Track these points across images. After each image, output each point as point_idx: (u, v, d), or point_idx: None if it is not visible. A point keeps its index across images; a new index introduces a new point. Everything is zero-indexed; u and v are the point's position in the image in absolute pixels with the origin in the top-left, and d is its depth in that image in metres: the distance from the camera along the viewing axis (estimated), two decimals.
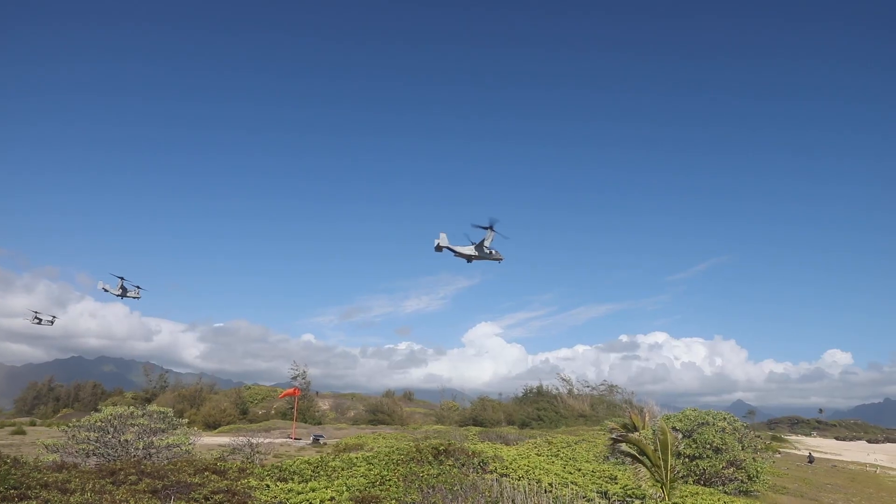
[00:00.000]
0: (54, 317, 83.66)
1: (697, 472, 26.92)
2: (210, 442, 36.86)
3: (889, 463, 65.30)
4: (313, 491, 13.59)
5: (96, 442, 20.38)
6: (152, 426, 21.74)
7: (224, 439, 37.21)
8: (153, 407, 24.07)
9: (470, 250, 50.39)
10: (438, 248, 50.28)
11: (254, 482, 14.36)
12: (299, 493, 13.41)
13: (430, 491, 12.54)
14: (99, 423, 20.88)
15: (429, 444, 20.27)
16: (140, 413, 22.30)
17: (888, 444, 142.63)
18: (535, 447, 29.84)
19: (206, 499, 12.03)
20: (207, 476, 14.16)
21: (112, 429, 20.79)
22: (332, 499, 12.91)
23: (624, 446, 20.37)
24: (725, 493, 24.23)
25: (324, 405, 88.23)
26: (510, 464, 18.68)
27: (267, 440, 34.81)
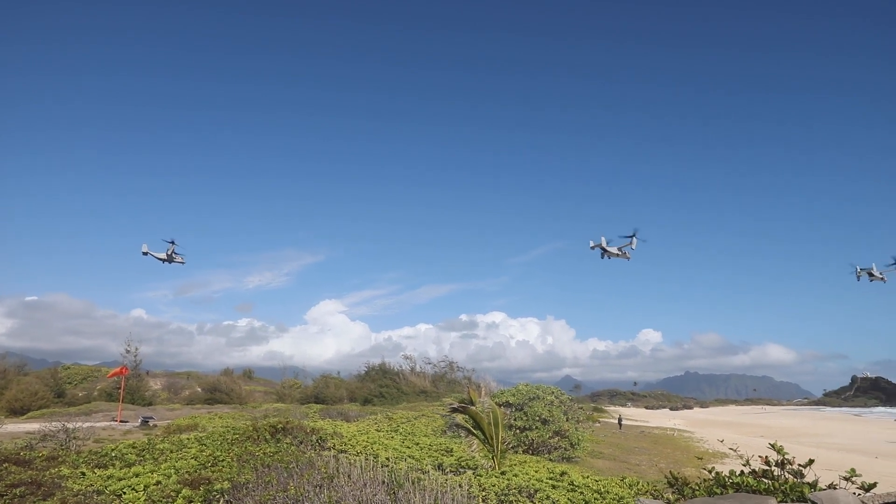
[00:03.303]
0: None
1: (527, 443, 29.13)
2: (16, 429, 33.11)
3: (685, 426, 75.84)
4: (137, 476, 12.70)
5: None
6: None
7: (34, 426, 33.40)
8: None
9: (615, 250, 63.01)
10: (593, 247, 62.98)
11: (66, 471, 13.09)
12: (120, 480, 12.46)
13: (266, 470, 12.32)
14: None
15: (267, 422, 19.82)
16: None
17: (685, 410, 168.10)
18: (376, 423, 30.35)
19: (2, 494, 10.72)
20: (6, 468, 12.64)
21: None
22: (158, 483, 12.16)
23: (460, 420, 21.51)
24: (550, 460, 26.43)
25: (155, 385, 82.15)
26: (349, 440, 18.87)
27: (87, 424, 32.01)
